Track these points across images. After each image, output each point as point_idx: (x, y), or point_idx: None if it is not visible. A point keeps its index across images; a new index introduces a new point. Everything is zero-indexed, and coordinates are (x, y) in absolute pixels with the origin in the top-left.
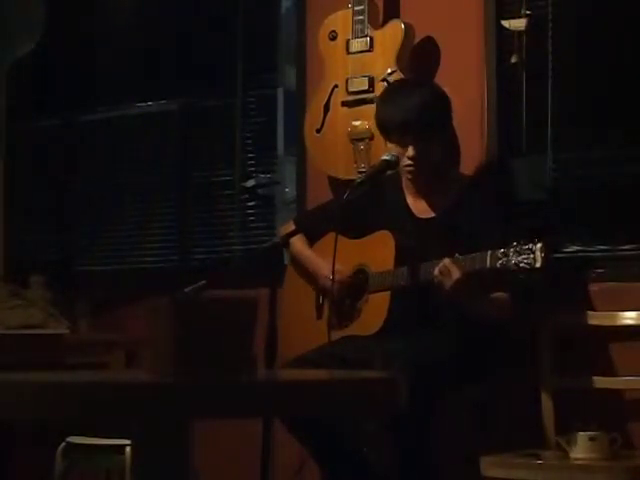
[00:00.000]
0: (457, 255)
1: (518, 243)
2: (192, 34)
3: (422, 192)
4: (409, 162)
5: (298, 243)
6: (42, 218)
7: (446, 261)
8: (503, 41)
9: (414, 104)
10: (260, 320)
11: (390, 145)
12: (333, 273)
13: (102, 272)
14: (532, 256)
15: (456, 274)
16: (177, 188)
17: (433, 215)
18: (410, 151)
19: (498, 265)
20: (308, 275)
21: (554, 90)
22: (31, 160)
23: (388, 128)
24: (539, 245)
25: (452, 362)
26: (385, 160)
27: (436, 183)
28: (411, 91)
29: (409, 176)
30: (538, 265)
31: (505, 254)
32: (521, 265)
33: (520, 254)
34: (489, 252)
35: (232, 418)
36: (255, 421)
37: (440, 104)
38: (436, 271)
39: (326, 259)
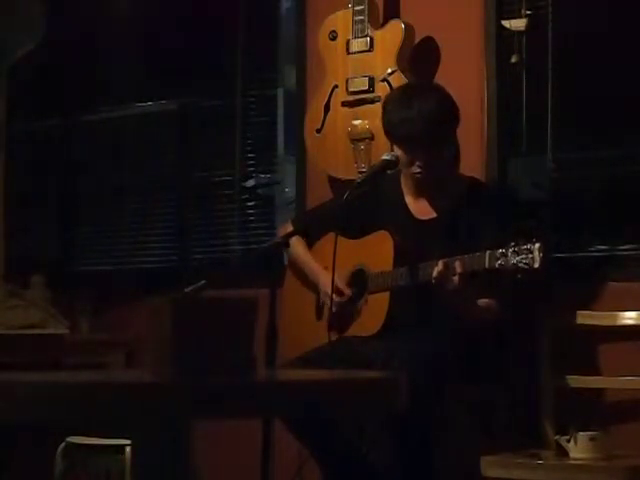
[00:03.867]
0: (456, 257)
1: (517, 243)
2: (192, 34)
3: (422, 193)
4: (418, 170)
5: (299, 248)
6: (42, 218)
7: (442, 263)
8: (503, 41)
9: (425, 116)
10: (260, 320)
11: (396, 149)
12: (333, 284)
13: (102, 272)
14: (531, 256)
15: (452, 277)
16: (177, 188)
17: (432, 216)
18: (420, 162)
19: (497, 265)
20: (308, 282)
21: (554, 90)
22: (31, 160)
23: (398, 138)
24: (537, 245)
25: (452, 362)
26: (385, 160)
27: (437, 184)
28: (423, 101)
29: (416, 182)
30: (537, 265)
31: (504, 254)
32: (520, 265)
33: (519, 254)
34: (488, 252)
35: (232, 418)
36: (255, 421)
37: (451, 113)
38: (434, 272)
39: (325, 261)
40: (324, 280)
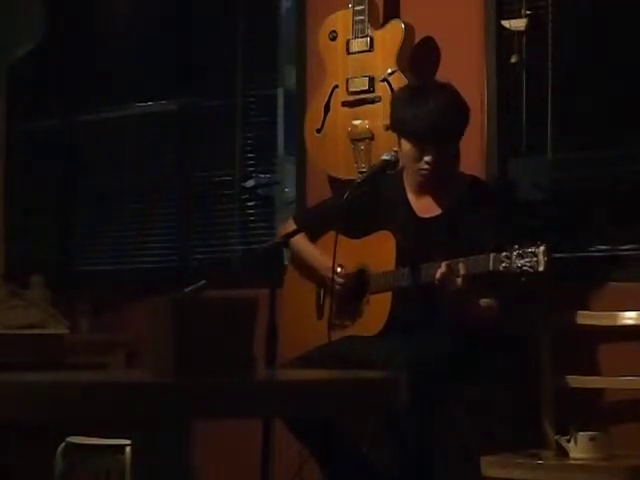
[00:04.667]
0: (460, 259)
1: (521, 246)
2: (192, 34)
3: (425, 191)
4: (426, 166)
5: (300, 239)
6: (42, 218)
7: (445, 265)
8: (503, 41)
9: (440, 111)
10: (260, 320)
11: (404, 145)
12: (334, 266)
13: (102, 272)
14: (535, 259)
15: (455, 279)
16: (177, 188)
17: (434, 215)
18: (429, 157)
19: (501, 268)
20: (309, 271)
21: (554, 90)
22: (31, 160)
23: (407, 132)
24: (542, 248)
25: (452, 362)
26: (385, 160)
27: (440, 182)
28: (435, 96)
29: (422, 178)
30: (541, 269)
31: (508, 257)
32: (524, 268)
33: (523, 257)
34: (492, 255)
35: (232, 418)
36: (255, 421)
37: (462, 111)
38: (438, 274)
39: (328, 257)
40: (326, 262)
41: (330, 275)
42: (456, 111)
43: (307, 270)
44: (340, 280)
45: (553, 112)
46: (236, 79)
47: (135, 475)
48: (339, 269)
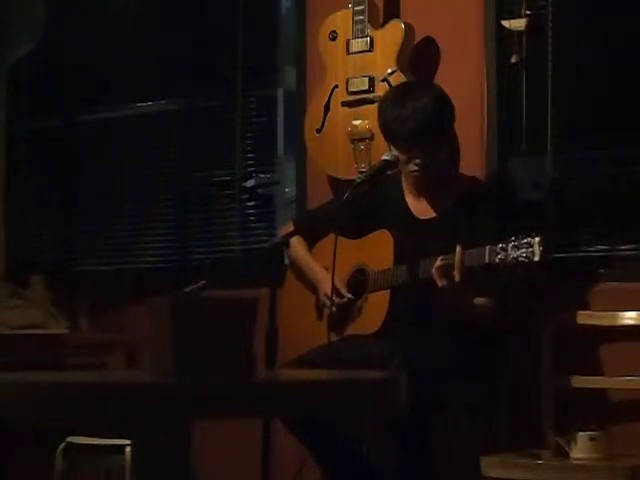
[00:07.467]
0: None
1: (516, 237)
2: (192, 34)
3: (422, 192)
4: (415, 168)
5: (299, 249)
6: (42, 218)
7: (441, 259)
8: (503, 41)
9: (421, 114)
10: (260, 320)
11: (394, 150)
12: (333, 284)
13: (102, 272)
14: (531, 250)
15: (452, 273)
16: (177, 188)
17: (433, 215)
18: (417, 159)
19: (497, 260)
20: (308, 283)
21: (554, 90)
22: (31, 160)
23: (393, 136)
24: (537, 239)
25: (452, 362)
26: (385, 160)
27: (437, 183)
28: (416, 99)
29: (414, 180)
30: (537, 259)
31: (504, 249)
32: (519, 259)
33: (519, 248)
34: (487, 247)
35: (232, 418)
36: (255, 421)
37: (445, 111)
38: (434, 268)
39: (326, 262)
40: (323, 282)
41: (326, 300)
42: (438, 112)
43: (306, 282)
44: (338, 299)
45: (553, 112)
46: (236, 79)
47: (135, 475)
48: (336, 298)
